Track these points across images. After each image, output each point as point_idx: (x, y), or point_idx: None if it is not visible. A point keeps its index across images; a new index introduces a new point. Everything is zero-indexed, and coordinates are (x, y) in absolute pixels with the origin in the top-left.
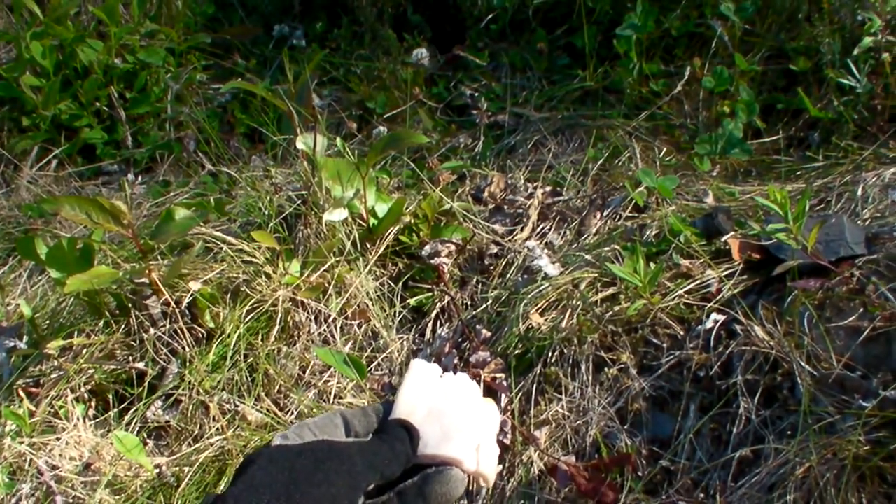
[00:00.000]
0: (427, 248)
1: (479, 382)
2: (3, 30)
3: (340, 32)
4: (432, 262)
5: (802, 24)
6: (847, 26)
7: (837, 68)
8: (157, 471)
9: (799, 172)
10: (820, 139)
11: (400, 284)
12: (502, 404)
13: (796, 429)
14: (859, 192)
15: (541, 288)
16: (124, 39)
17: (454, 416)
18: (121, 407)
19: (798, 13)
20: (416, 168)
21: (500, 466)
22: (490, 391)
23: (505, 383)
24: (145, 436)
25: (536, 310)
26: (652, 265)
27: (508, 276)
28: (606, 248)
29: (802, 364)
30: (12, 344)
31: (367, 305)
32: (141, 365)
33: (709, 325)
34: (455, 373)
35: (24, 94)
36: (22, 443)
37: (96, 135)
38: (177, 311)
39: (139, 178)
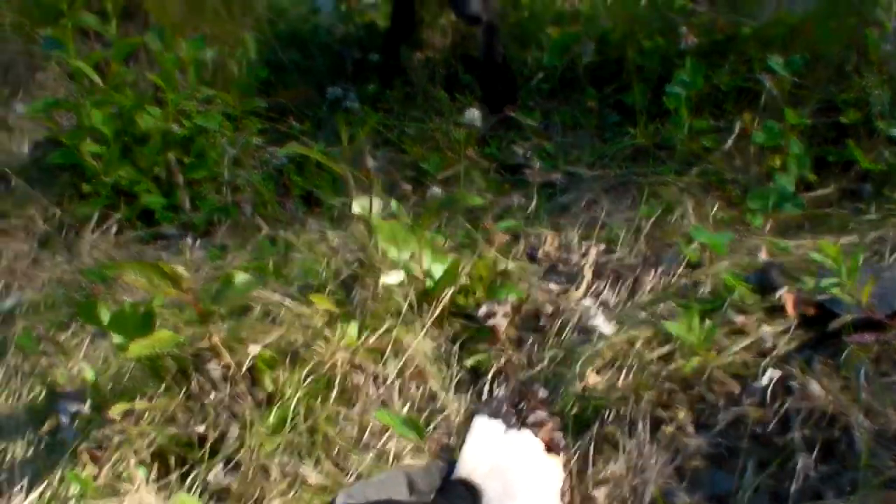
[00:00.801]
0: (483, 308)
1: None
2: (64, 98)
3: (393, 94)
4: (488, 322)
5: (851, 75)
6: None
7: (887, 119)
8: None
9: (852, 225)
10: (872, 191)
11: (457, 345)
12: (560, 464)
13: (856, 484)
14: None
15: (596, 347)
16: (181, 105)
17: (517, 473)
18: (182, 470)
19: (847, 65)
20: (470, 229)
21: None
22: (548, 451)
23: (562, 443)
24: (207, 499)
25: (593, 369)
26: (707, 322)
27: (564, 335)
28: (661, 306)
29: (860, 419)
30: (76, 408)
31: (425, 367)
32: (202, 428)
33: (765, 381)
34: (518, 430)
35: (84, 160)
36: None
37: (155, 200)
38: (237, 374)
39: (197, 242)
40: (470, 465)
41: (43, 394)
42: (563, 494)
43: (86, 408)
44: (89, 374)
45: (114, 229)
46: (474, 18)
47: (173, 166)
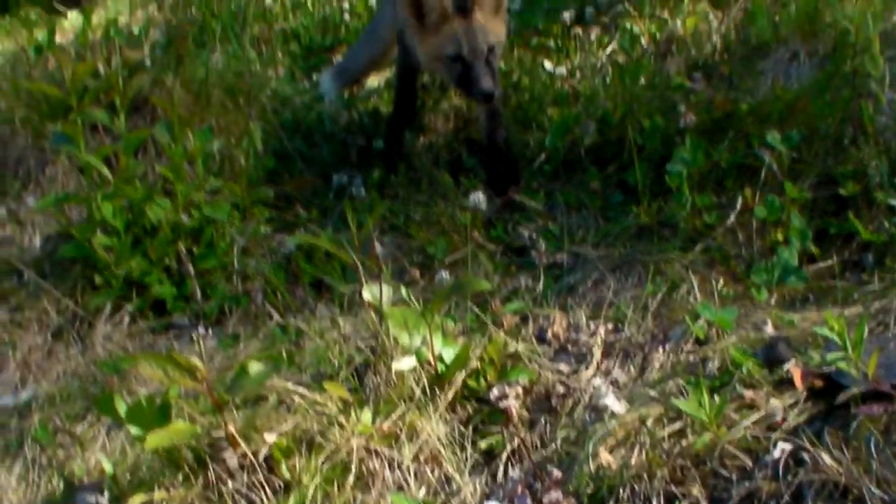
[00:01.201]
0: (495, 390)
1: None
2: (75, 192)
3: (398, 179)
4: (500, 404)
5: (849, 148)
6: (893, 148)
7: (886, 190)
8: None
9: (856, 296)
10: (874, 261)
11: (470, 428)
12: None
13: None
14: None
15: (608, 426)
16: (190, 196)
17: None
18: None
19: (844, 138)
20: (479, 312)
21: None
22: None
23: None
24: None
25: (606, 447)
26: (716, 398)
27: (576, 414)
28: (671, 383)
29: (872, 489)
30: (94, 500)
31: (439, 450)
32: None
33: (776, 454)
34: None
35: (96, 253)
36: None
37: (166, 290)
38: (254, 463)
39: (209, 331)
40: None
41: (61, 486)
42: None
43: (104, 499)
44: (107, 466)
45: (126, 320)
46: (488, 96)
47: (184, 257)
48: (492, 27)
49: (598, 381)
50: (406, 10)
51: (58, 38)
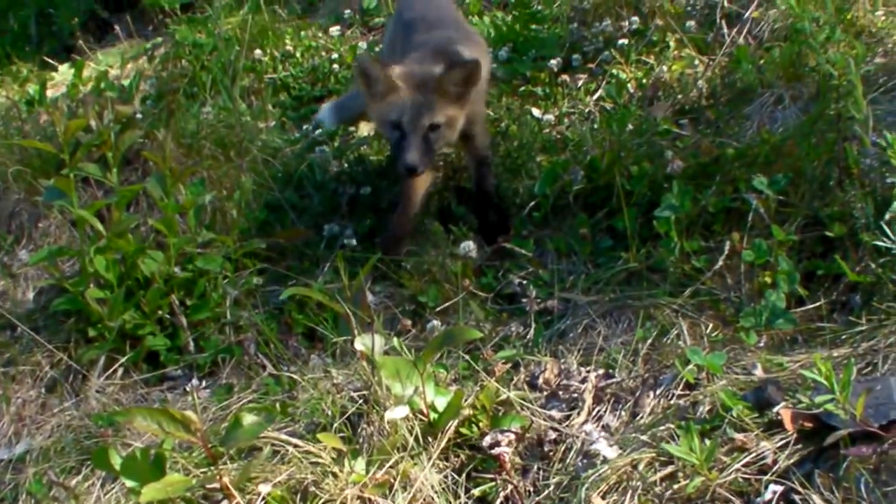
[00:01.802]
0: (487, 438)
1: None
2: (67, 245)
3: (388, 228)
4: (493, 451)
5: (834, 190)
6: (877, 189)
7: (872, 231)
8: None
9: (844, 337)
10: (861, 302)
11: (463, 476)
12: None
13: None
14: None
15: (600, 471)
16: (182, 249)
17: None
18: None
19: (829, 180)
20: (470, 360)
21: None
22: None
23: None
24: None
25: (598, 493)
26: (707, 441)
27: (568, 460)
28: (662, 428)
29: None
30: None
31: (433, 498)
32: None
33: (767, 496)
34: None
35: (89, 306)
36: None
37: (160, 342)
38: None
39: (202, 383)
40: None
41: None
42: None
43: None
44: None
45: (120, 372)
46: (411, 169)
47: (176, 308)
48: (447, 111)
49: (589, 426)
50: (358, 79)
51: (49, 92)
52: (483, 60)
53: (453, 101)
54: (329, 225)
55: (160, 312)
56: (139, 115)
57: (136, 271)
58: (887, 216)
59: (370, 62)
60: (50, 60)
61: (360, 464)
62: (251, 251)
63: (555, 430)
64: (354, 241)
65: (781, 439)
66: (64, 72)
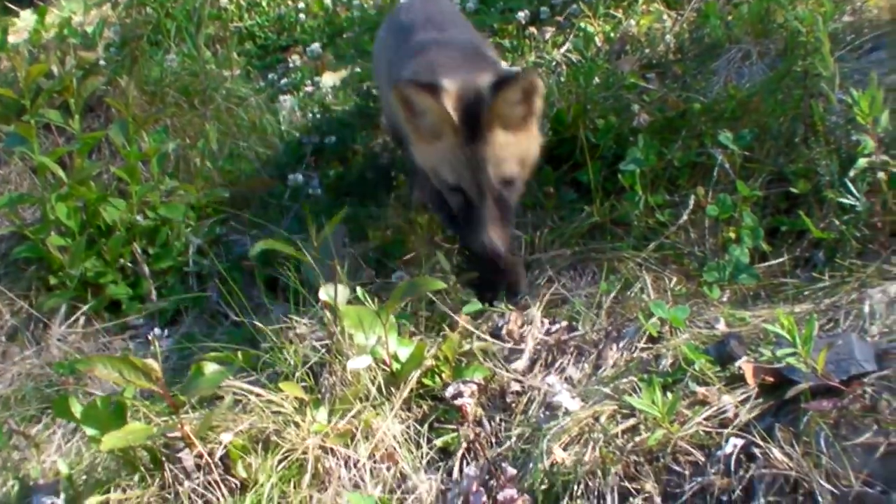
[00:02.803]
0: (450, 389)
1: None
2: (28, 192)
3: (353, 179)
4: (456, 402)
5: (800, 147)
6: (842, 147)
7: (836, 188)
8: None
9: (806, 293)
10: (825, 259)
11: (425, 426)
12: None
13: None
14: (866, 308)
15: (562, 423)
16: (145, 197)
17: None
18: None
19: (795, 137)
20: (435, 311)
21: None
22: None
23: None
24: None
25: (560, 444)
26: (669, 395)
27: (531, 412)
28: (624, 380)
29: (822, 483)
30: (50, 501)
31: (395, 448)
32: None
33: (728, 449)
34: None
35: (50, 253)
36: None
37: (121, 291)
38: (210, 463)
39: (165, 332)
40: None
41: (16, 488)
42: None
43: (60, 501)
44: (63, 468)
45: (81, 321)
46: (488, 253)
47: (139, 257)
48: (514, 147)
49: (552, 378)
50: (397, 99)
51: (11, 38)
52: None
53: (520, 127)
54: (294, 174)
55: (122, 261)
56: (102, 62)
57: (97, 219)
58: (852, 173)
59: (413, 84)
60: (12, 6)
61: (321, 413)
62: (215, 200)
63: (517, 381)
64: (320, 191)
65: (743, 393)
66: (26, 18)
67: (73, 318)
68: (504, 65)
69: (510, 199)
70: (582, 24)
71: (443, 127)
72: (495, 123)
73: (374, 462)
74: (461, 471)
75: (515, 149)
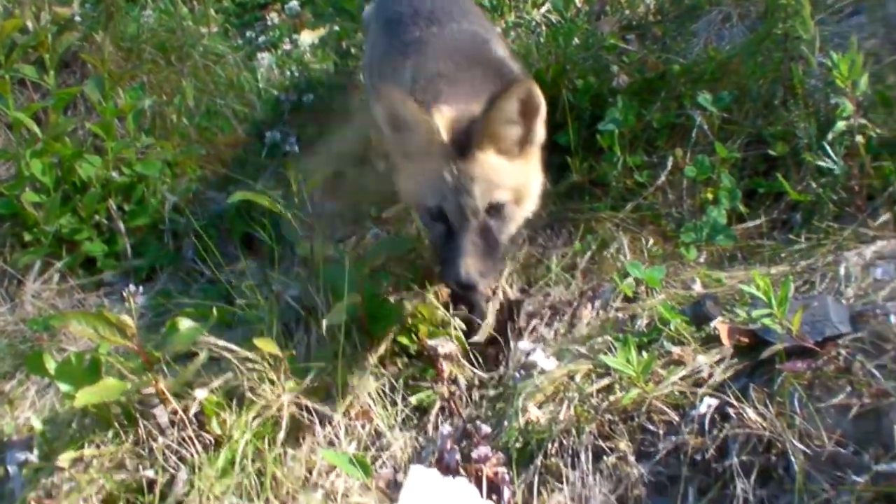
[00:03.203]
0: (426, 347)
1: (481, 478)
2: (3, 148)
3: (331, 136)
4: (431, 361)
5: (778, 109)
6: (821, 110)
7: (814, 151)
8: None
9: (783, 255)
10: (801, 221)
11: (401, 384)
12: (505, 498)
13: None
14: (842, 271)
15: (537, 382)
16: (121, 153)
17: None
18: None
19: (774, 99)
20: (412, 269)
21: None
22: (492, 486)
23: (507, 477)
24: None
25: (535, 403)
26: (644, 354)
27: (506, 371)
28: (599, 340)
29: (795, 443)
30: (23, 457)
31: (370, 406)
32: (151, 473)
33: (702, 409)
34: (456, 472)
35: (24, 210)
36: None
37: (96, 247)
38: (184, 419)
39: (140, 288)
40: None
41: None
42: None
43: (34, 456)
44: (37, 424)
45: (56, 278)
46: (465, 287)
47: (114, 214)
48: (508, 174)
49: (527, 338)
50: (381, 113)
51: None
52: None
53: (517, 154)
54: (271, 132)
55: (97, 217)
56: (77, 18)
57: (73, 175)
58: (830, 136)
59: (401, 95)
60: None
61: (297, 370)
62: (191, 157)
63: (493, 340)
64: (297, 149)
65: (718, 354)
66: None
67: (47, 275)
68: (515, 67)
69: (498, 232)
70: None
71: (430, 144)
72: (487, 142)
73: (349, 419)
74: (436, 428)
75: (510, 176)
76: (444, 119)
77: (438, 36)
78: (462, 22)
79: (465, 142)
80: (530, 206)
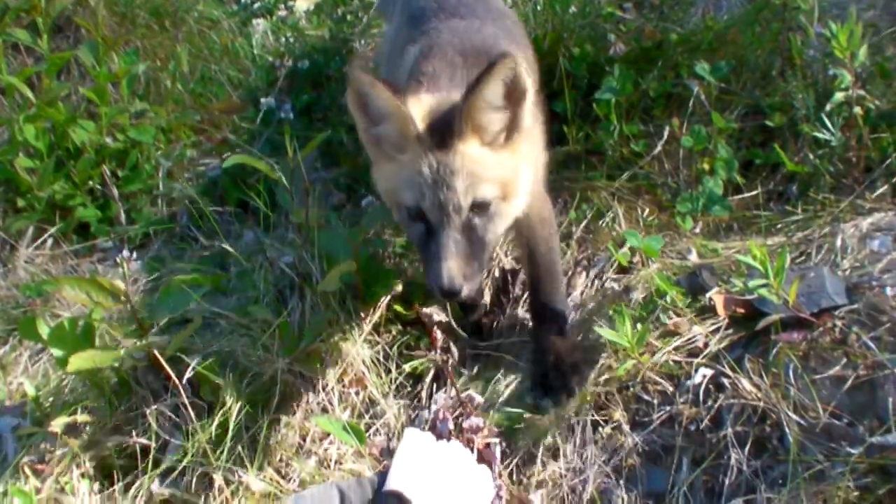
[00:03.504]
0: (420, 315)
1: (472, 448)
2: None
3: (325, 103)
4: (426, 329)
5: (776, 80)
6: (819, 81)
7: (812, 122)
8: None
9: (779, 226)
10: (798, 192)
11: (395, 351)
12: (496, 469)
13: (787, 477)
14: (838, 242)
15: (531, 349)
16: (115, 119)
17: (447, 485)
18: (125, 481)
19: (772, 70)
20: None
21: None
22: (483, 457)
23: (499, 448)
24: None
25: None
26: (639, 326)
27: (501, 340)
28: (592, 305)
29: (790, 414)
30: (16, 422)
31: (364, 373)
32: (144, 439)
33: (697, 379)
34: (449, 440)
35: (18, 175)
36: None
37: (90, 213)
38: (177, 385)
39: (134, 255)
40: (401, 477)
41: None
42: (500, 500)
43: (27, 422)
44: (30, 389)
45: (49, 243)
46: (448, 293)
47: (108, 179)
48: (494, 167)
49: (521, 307)
50: (351, 101)
51: None
52: (533, 64)
53: (505, 143)
54: (266, 99)
55: (91, 183)
56: None
57: (66, 141)
58: (828, 107)
59: (371, 80)
60: None
61: (291, 337)
62: (185, 123)
63: (487, 309)
64: (292, 116)
65: (713, 324)
66: None
67: (40, 241)
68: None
69: (483, 233)
70: None
71: (405, 135)
72: (470, 133)
73: (343, 386)
74: (430, 397)
75: (495, 169)
76: (421, 107)
77: (454, 28)
78: (485, 20)
79: (446, 131)
80: (520, 202)
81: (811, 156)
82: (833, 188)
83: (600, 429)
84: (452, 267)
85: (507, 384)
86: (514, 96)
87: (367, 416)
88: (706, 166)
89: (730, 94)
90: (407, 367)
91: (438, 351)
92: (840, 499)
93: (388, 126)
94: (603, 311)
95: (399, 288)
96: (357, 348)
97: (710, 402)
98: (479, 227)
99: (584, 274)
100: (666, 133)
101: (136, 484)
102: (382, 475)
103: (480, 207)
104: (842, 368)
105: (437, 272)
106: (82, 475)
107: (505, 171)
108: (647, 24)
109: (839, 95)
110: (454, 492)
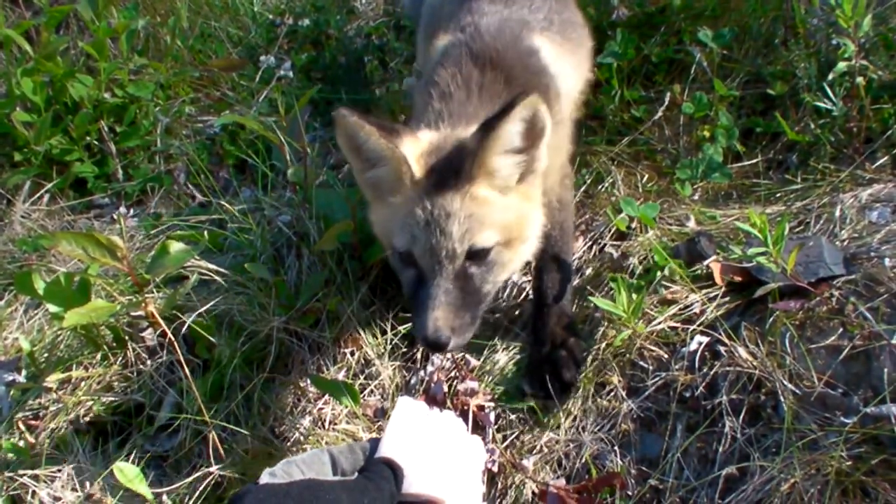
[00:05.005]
0: None
1: (466, 412)
2: None
3: (325, 62)
4: None
5: (779, 48)
6: (822, 50)
7: (814, 92)
8: (157, 500)
9: (778, 195)
10: (798, 161)
11: (391, 312)
12: (489, 433)
13: (780, 446)
14: (837, 213)
15: (526, 317)
16: (113, 74)
17: (439, 453)
18: (120, 438)
19: (775, 38)
20: None
21: (487, 500)
22: (477, 421)
23: (493, 412)
24: (145, 466)
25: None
26: (635, 296)
27: (497, 303)
28: (589, 271)
29: (785, 383)
30: (11, 377)
31: (360, 333)
32: (139, 396)
33: (693, 346)
34: (443, 405)
35: (15, 129)
36: (23, 475)
37: (87, 169)
38: (173, 342)
39: (131, 211)
40: (392, 446)
41: None
42: (493, 463)
43: (21, 377)
44: (24, 344)
45: (46, 198)
46: (434, 345)
47: (106, 135)
48: (499, 211)
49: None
50: (342, 144)
51: None
52: (583, 62)
53: (511, 186)
54: (266, 57)
55: (89, 138)
56: None
57: (64, 95)
58: (830, 77)
59: (360, 123)
60: None
61: (287, 296)
62: (184, 79)
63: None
64: (291, 74)
65: (710, 292)
66: None
67: (37, 196)
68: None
69: (480, 283)
70: None
71: (398, 178)
72: (480, 175)
73: (339, 346)
74: (425, 359)
75: (501, 213)
76: (419, 147)
77: (487, 27)
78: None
79: (448, 174)
80: (527, 248)
81: (812, 125)
82: (833, 158)
83: (596, 395)
84: (439, 317)
85: (503, 348)
86: (531, 136)
87: (361, 377)
88: (706, 133)
89: (732, 61)
90: (402, 329)
91: None
92: (833, 468)
93: (383, 169)
94: (601, 278)
95: None
96: (353, 308)
97: (705, 370)
98: (476, 276)
99: (581, 238)
100: (667, 99)
101: (131, 441)
102: (375, 442)
103: (478, 255)
104: (838, 338)
105: (422, 322)
106: (76, 431)
107: (511, 215)
108: None
109: (842, 65)
110: (446, 461)
